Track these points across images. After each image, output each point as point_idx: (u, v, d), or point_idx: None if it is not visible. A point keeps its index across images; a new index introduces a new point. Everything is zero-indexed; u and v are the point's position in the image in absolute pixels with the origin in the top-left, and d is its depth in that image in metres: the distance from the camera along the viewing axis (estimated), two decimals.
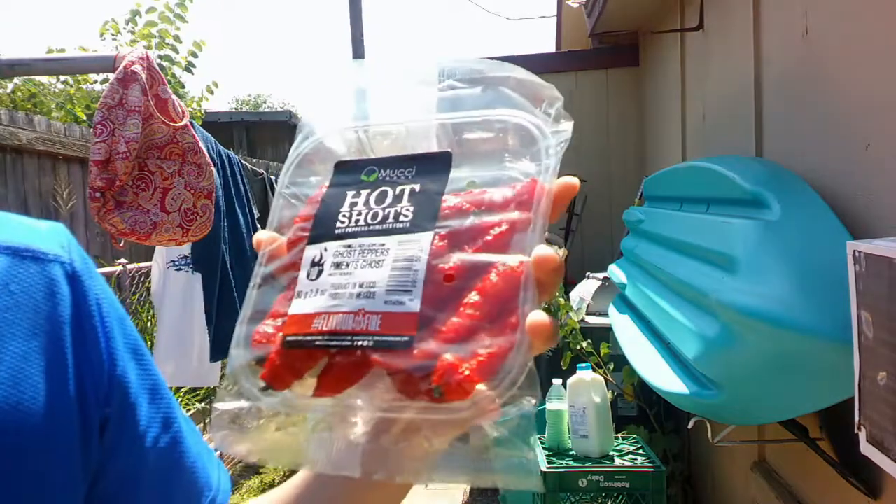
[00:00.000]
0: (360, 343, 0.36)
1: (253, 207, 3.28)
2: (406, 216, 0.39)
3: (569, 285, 3.78)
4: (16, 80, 4.47)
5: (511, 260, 0.37)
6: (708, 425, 1.71)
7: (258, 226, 3.23)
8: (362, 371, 0.37)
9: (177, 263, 3.06)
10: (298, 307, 0.38)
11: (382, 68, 0.47)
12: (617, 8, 3.64)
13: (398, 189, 0.41)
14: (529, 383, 0.35)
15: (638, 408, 2.85)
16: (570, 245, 4.35)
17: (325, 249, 0.39)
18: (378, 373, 0.37)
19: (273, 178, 4.18)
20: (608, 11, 3.70)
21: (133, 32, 4.81)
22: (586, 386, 2.22)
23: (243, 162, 3.38)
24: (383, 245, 0.38)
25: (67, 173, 3.85)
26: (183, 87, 5.04)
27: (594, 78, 4.60)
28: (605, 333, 2.74)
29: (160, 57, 4.74)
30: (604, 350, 2.69)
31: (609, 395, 2.33)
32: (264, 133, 8.21)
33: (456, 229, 0.38)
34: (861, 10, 1.46)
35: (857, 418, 1.02)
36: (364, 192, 0.41)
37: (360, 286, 0.38)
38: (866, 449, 1.01)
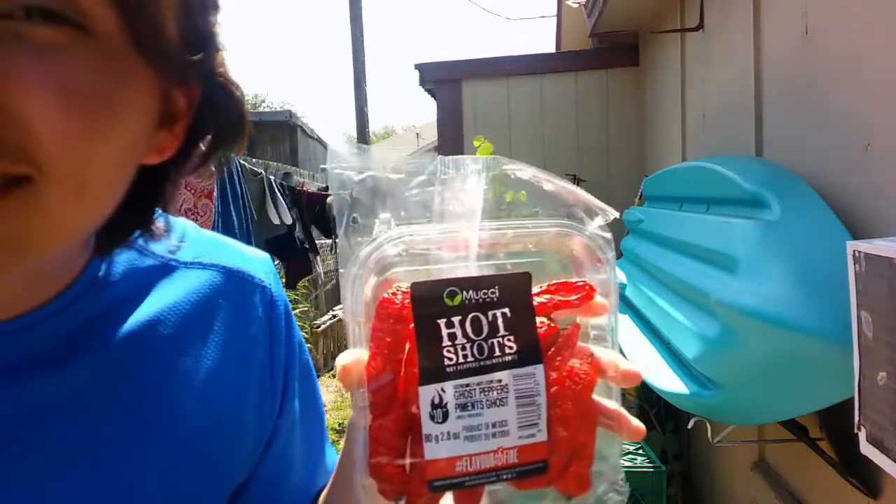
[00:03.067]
0: (505, 477, 0.41)
1: (251, 207, 3.27)
2: (511, 347, 0.42)
3: None
4: None
5: (592, 369, 0.43)
6: (708, 425, 1.71)
7: (251, 227, 3.23)
8: (482, 492, 0.43)
9: None
10: (435, 452, 0.40)
11: (438, 165, 0.46)
12: (617, 8, 3.64)
13: (489, 315, 0.42)
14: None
15: (638, 407, 2.85)
16: None
17: (443, 391, 0.41)
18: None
19: (272, 177, 4.17)
20: (608, 11, 3.70)
21: None
22: None
23: (242, 161, 3.38)
24: (500, 381, 0.42)
25: None
26: None
27: (594, 78, 4.60)
28: None
29: None
30: None
31: None
32: (263, 133, 8.21)
33: (554, 352, 0.43)
34: (861, 10, 1.46)
35: (857, 418, 1.02)
36: (456, 320, 0.42)
37: (493, 426, 0.41)
38: (866, 449, 1.01)
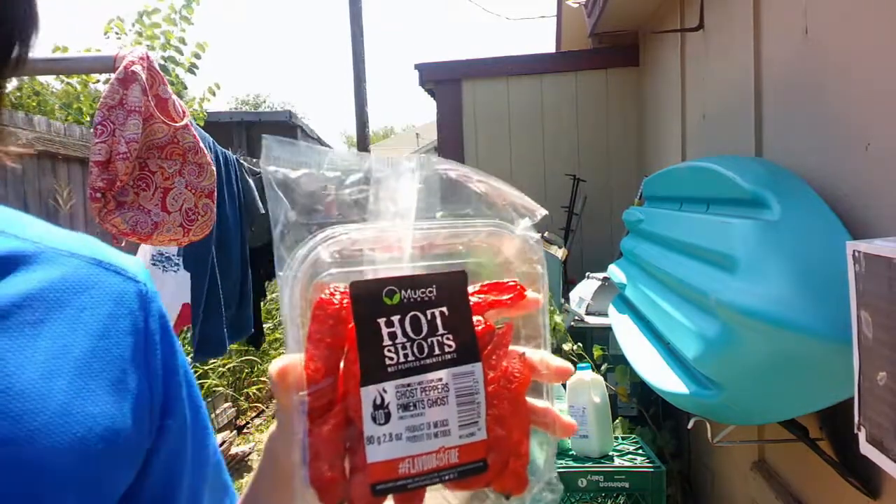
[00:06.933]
0: (447, 477, 0.41)
1: (244, 210, 3.26)
2: (449, 346, 0.42)
3: (569, 285, 3.78)
4: (15, 80, 4.44)
5: (525, 368, 0.44)
6: (708, 425, 1.71)
7: (245, 227, 3.22)
8: (423, 494, 0.42)
9: (162, 263, 3.01)
10: (377, 454, 0.40)
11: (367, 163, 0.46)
12: (617, 8, 3.64)
13: (428, 314, 0.42)
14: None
15: (637, 407, 2.85)
16: (570, 245, 4.35)
17: (385, 391, 0.40)
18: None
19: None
20: (608, 11, 3.70)
21: (140, 34, 4.77)
22: (586, 386, 2.22)
23: (241, 161, 3.38)
24: (440, 380, 0.41)
25: (67, 174, 3.85)
26: (185, 87, 5.01)
27: (594, 78, 4.60)
28: (605, 333, 2.74)
29: (164, 58, 4.71)
30: (597, 353, 2.69)
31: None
32: (264, 132, 8.21)
33: (490, 350, 0.44)
34: (861, 10, 1.46)
35: (856, 418, 1.02)
36: (395, 319, 0.41)
37: (435, 426, 0.41)
38: (866, 449, 1.01)
